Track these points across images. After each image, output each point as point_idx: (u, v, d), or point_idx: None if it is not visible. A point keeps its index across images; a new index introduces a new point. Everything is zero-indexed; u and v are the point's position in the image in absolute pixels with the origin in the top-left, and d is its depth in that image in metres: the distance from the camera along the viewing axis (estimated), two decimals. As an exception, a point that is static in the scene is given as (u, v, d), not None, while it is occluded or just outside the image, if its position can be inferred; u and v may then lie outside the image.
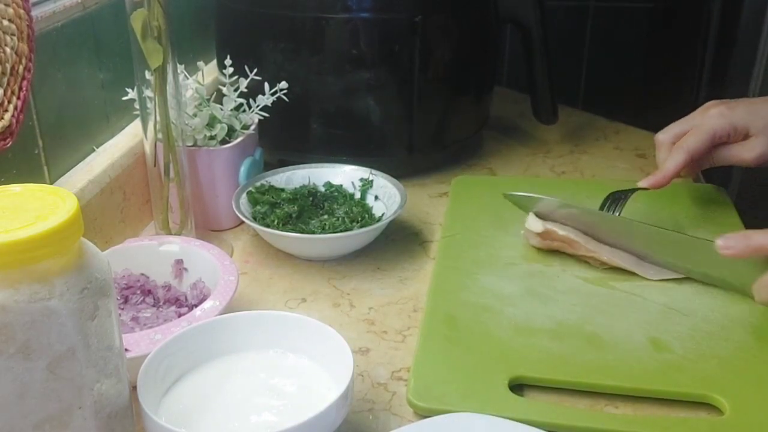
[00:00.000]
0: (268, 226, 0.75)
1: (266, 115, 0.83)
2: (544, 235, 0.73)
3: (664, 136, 0.76)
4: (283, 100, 0.82)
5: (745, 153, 0.73)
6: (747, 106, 0.74)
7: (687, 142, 0.73)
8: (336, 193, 0.82)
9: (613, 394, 0.57)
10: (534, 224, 0.74)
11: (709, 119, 0.73)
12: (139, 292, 0.68)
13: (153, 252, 0.69)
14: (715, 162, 0.75)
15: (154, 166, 0.74)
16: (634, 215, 0.79)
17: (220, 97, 0.83)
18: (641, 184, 0.74)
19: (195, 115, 0.79)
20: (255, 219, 0.76)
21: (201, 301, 0.64)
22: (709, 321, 0.64)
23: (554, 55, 0.98)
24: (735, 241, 0.63)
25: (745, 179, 1.18)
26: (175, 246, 0.69)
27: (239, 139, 0.81)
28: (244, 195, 0.79)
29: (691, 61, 1.37)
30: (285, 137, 0.91)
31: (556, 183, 0.92)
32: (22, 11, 0.57)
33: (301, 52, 0.86)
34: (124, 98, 0.78)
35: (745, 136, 0.73)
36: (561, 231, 0.72)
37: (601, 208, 0.74)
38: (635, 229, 0.70)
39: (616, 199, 0.74)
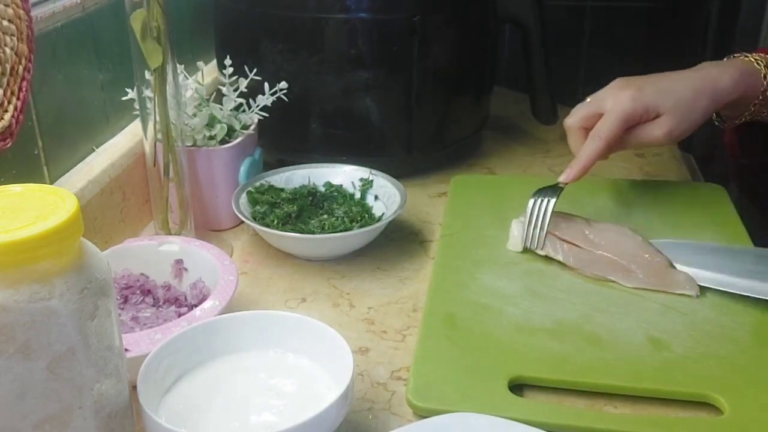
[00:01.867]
0: (267, 226, 0.75)
1: (266, 115, 0.83)
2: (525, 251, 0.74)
3: (572, 120, 0.76)
4: (283, 100, 0.82)
5: (655, 130, 0.73)
6: (655, 85, 0.74)
7: (601, 130, 0.73)
8: (336, 193, 0.82)
9: (613, 394, 0.57)
10: (514, 243, 0.74)
11: (621, 104, 0.73)
12: (138, 292, 0.68)
13: (153, 252, 0.69)
14: (626, 144, 0.75)
15: (154, 166, 0.74)
16: (635, 216, 0.79)
17: (219, 97, 0.83)
18: (561, 179, 0.75)
19: (195, 115, 0.79)
20: (255, 219, 0.76)
21: (201, 301, 0.64)
22: (709, 321, 0.64)
23: (553, 55, 0.98)
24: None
25: (746, 179, 1.18)
26: (174, 246, 0.69)
27: (239, 139, 0.81)
28: (244, 195, 0.79)
29: (690, 60, 1.37)
30: (285, 137, 0.91)
31: (553, 180, 0.92)
32: (21, 11, 0.57)
33: (300, 52, 0.86)
34: (124, 98, 0.78)
35: (656, 115, 0.73)
36: (540, 252, 0.72)
37: (532, 208, 0.74)
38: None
39: (543, 197, 0.74)
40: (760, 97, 0.75)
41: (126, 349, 0.54)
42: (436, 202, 0.89)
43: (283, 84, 0.82)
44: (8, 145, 0.56)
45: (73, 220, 0.39)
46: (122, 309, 0.66)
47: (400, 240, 0.81)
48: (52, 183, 0.69)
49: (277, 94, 0.82)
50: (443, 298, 0.68)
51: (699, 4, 1.35)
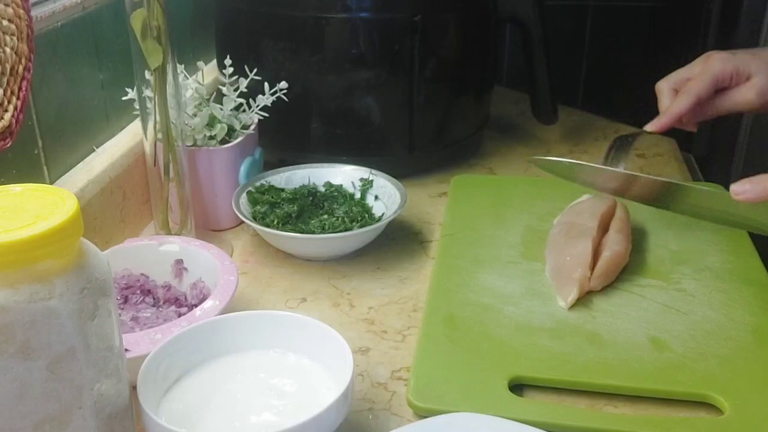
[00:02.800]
0: (267, 225, 0.75)
1: (266, 114, 0.83)
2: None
3: (665, 83, 0.77)
4: (283, 99, 0.82)
5: (746, 92, 0.73)
6: (749, 52, 0.74)
7: (691, 86, 0.73)
8: (336, 193, 0.82)
9: (613, 394, 0.57)
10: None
11: (710, 64, 0.73)
12: (139, 292, 0.68)
13: (153, 252, 0.69)
14: (719, 108, 0.75)
15: (154, 166, 0.74)
16: (638, 213, 0.79)
17: (220, 97, 0.83)
18: (648, 127, 0.75)
19: (195, 115, 0.79)
20: (255, 219, 0.76)
21: (201, 301, 0.64)
22: (709, 321, 0.64)
23: (554, 55, 0.98)
24: (750, 184, 0.64)
25: (745, 177, 1.18)
26: (175, 246, 0.69)
27: (239, 139, 0.81)
28: (244, 195, 0.79)
29: (691, 60, 1.37)
30: (285, 137, 0.91)
31: (556, 183, 0.92)
32: (21, 11, 0.57)
33: (301, 52, 0.86)
34: (124, 98, 0.78)
35: (747, 79, 0.73)
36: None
37: (607, 154, 0.75)
38: (654, 185, 0.72)
39: (621, 145, 0.75)
40: None
41: (126, 349, 0.54)
42: (437, 202, 0.89)
43: (284, 84, 0.82)
44: (8, 145, 0.56)
45: (73, 220, 0.39)
46: (122, 309, 0.66)
47: (400, 240, 0.81)
48: (52, 183, 0.69)
49: (278, 94, 0.82)
50: (443, 298, 0.68)
51: (700, 4, 1.35)
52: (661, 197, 0.73)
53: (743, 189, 0.64)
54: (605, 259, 0.68)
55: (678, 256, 0.74)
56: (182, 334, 0.56)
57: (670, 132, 1.07)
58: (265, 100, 0.82)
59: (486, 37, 0.95)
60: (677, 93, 0.75)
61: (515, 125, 1.10)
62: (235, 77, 0.81)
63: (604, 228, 0.73)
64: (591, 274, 0.67)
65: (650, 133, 0.75)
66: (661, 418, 0.55)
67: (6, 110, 0.56)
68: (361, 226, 0.75)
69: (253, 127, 0.83)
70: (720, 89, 0.74)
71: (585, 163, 0.75)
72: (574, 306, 0.66)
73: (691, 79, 0.74)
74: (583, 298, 0.67)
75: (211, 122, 0.80)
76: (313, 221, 0.78)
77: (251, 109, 0.83)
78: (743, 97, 0.73)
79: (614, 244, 0.69)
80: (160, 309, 0.67)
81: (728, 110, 0.75)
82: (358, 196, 0.83)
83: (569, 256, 0.69)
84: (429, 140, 0.93)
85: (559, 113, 1.02)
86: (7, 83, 0.56)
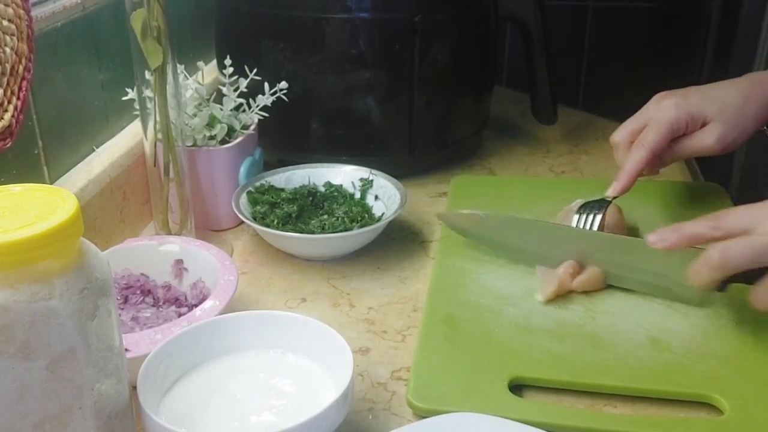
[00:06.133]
0: (267, 226, 0.75)
1: (266, 115, 0.83)
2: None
3: (619, 135, 0.74)
4: (283, 100, 0.82)
5: (705, 138, 0.71)
6: (699, 93, 0.72)
7: (646, 138, 0.71)
8: (336, 193, 0.82)
9: (613, 394, 0.57)
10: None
11: (664, 111, 0.71)
12: (139, 292, 0.68)
13: (153, 252, 0.69)
14: (676, 155, 0.73)
15: (154, 166, 0.74)
16: (635, 216, 0.79)
17: (220, 97, 0.83)
18: (609, 193, 0.72)
19: (195, 115, 0.79)
20: (255, 219, 0.76)
21: (201, 301, 0.64)
22: (709, 321, 0.64)
23: (554, 55, 0.98)
24: (667, 233, 0.61)
25: (745, 178, 1.18)
26: (175, 246, 0.69)
27: (239, 139, 0.81)
28: (244, 195, 0.79)
29: (691, 60, 1.37)
30: (285, 137, 0.91)
31: (556, 183, 0.92)
32: (21, 11, 0.57)
33: (301, 52, 0.86)
34: (124, 98, 0.78)
35: (703, 124, 0.71)
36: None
37: (579, 222, 0.71)
38: (572, 236, 0.69)
39: (590, 212, 0.71)
40: None
41: (126, 349, 0.54)
42: (437, 202, 0.89)
43: (284, 84, 0.82)
44: (8, 145, 0.56)
45: (73, 220, 0.39)
46: (122, 309, 0.66)
47: (400, 240, 0.81)
48: (52, 183, 0.69)
49: (277, 94, 0.82)
50: (443, 298, 0.68)
51: (700, 4, 1.35)
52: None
53: (661, 237, 0.61)
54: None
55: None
56: (182, 334, 0.56)
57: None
58: (265, 100, 0.82)
59: (486, 38, 0.95)
60: (632, 145, 0.73)
61: (515, 125, 1.10)
62: (235, 77, 0.81)
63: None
64: (578, 274, 0.67)
65: (614, 198, 0.72)
66: (661, 418, 0.55)
67: (6, 110, 0.56)
68: (361, 226, 0.75)
69: (253, 127, 0.83)
70: (676, 137, 0.72)
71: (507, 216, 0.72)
72: (574, 306, 0.66)
73: (645, 129, 0.72)
74: (583, 299, 0.67)
75: (211, 122, 0.80)
76: (313, 221, 0.78)
77: (251, 109, 0.83)
78: (702, 144, 0.71)
79: None
80: (160, 309, 0.67)
81: (688, 156, 0.74)
82: (358, 196, 0.83)
83: None
84: (429, 140, 0.93)
85: (559, 113, 1.02)
86: (7, 83, 0.56)
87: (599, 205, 0.71)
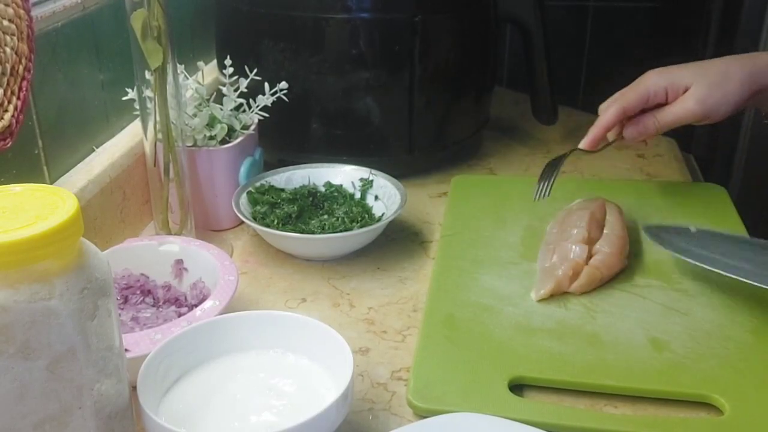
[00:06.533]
0: (268, 226, 0.75)
1: (266, 115, 0.83)
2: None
3: (607, 102, 0.76)
4: (283, 100, 0.82)
5: (685, 102, 0.71)
6: (684, 65, 0.73)
7: (617, 97, 0.74)
8: (336, 193, 0.82)
9: (613, 394, 0.57)
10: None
11: (644, 78, 0.73)
12: (139, 292, 0.68)
13: (153, 252, 0.69)
14: (660, 123, 0.73)
15: (154, 166, 0.74)
16: (635, 216, 0.79)
17: (220, 97, 0.83)
18: (580, 146, 0.75)
19: (195, 115, 0.79)
20: (255, 219, 0.76)
21: (201, 301, 0.64)
22: (709, 321, 0.64)
23: (554, 55, 0.98)
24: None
25: (746, 178, 1.18)
26: (175, 246, 0.69)
27: (239, 139, 0.81)
28: (244, 195, 0.79)
29: (692, 60, 1.37)
30: (285, 137, 0.91)
31: (556, 183, 0.92)
32: (22, 11, 0.57)
33: (301, 52, 0.86)
34: (124, 98, 0.78)
35: (685, 91, 0.72)
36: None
37: (540, 178, 0.74)
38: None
39: (552, 165, 0.74)
40: None
41: (126, 349, 0.54)
42: (437, 202, 0.89)
43: (284, 84, 0.82)
44: (8, 145, 0.56)
45: (73, 220, 0.39)
46: (122, 309, 0.66)
47: (400, 240, 0.81)
48: (52, 183, 0.69)
49: (278, 94, 0.82)
50: (443, 298, 0.68)
51: (701, 4, 1.35)
52: None
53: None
54: (589, 269, 0.68)
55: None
56: (182, 334, 0.56)
57: (671, 132, 1.07)
58: (265, 100, 0.82)
59: (486, 38, 0.95)
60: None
61: (515, 125, 1.10)
62: (235, 77, 0.81)
63: (599, 229, 0.73)
64: (577, 277, 0.67)
65: (584, 151, 0.75)
66: (661, 418, 0.55)
67: (6, 110, 0.56)
68: (361, 226, 0.75)
69: (253, 127, 0.83)
70: (659, 104, 0.73)
71: None
72: (573, 306, 0.66)
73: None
74: (583, 299, 0.67)
75: (211, 122, 0.80)
76: (313, 221, 0.78)
77: (251, 110, 0.83)
78: (683, 107, 0.72)
79: (604, 248, 0.70)
80: (160, 309, 0.67)
81: (672, 123, 0.73)
82: (358, 196, 0.83)
83: (556, 256, 0.69)
84: (429, 141, 0.93)
85: (559, 113, 1.02)
86: (7, 83, 0.56)
87: (564, 156, 0.75)
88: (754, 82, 0.71)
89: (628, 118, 0.75)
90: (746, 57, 0.73)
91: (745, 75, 0.71)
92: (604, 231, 0.72)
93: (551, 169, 0.73)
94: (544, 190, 0.72)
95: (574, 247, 0.69)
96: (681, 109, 0.72)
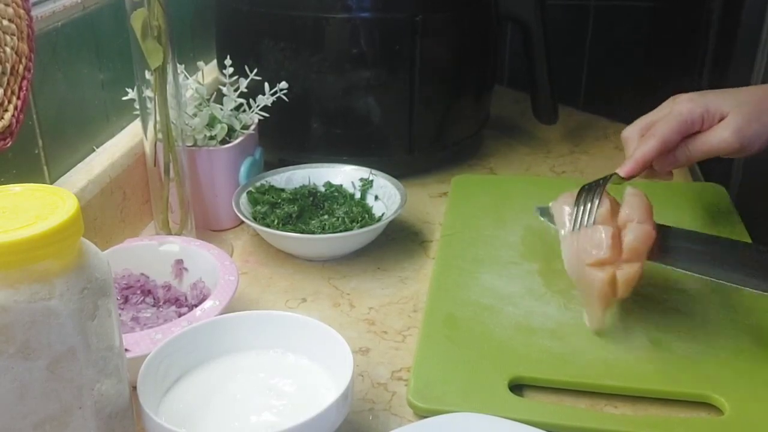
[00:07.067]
0: (268, 226, 0.75)
1: (266, 115, 0.83)
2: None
3: (631, 130, 0.70)
4: (283, 99, 0.82)
5: (722, 132, 0.65)
6: (717, 92, 0.68)
7: (656, 128, 0.67)
8: (336, 193, 0.82)
9: (613, 394, 0.57)
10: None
11: (678, 105, 0.67)
12: (139, 292, 0.68)
13: (153, 252, 0.69)
14: (692, 153, 0.67)
15: (154, 166, 0.74)
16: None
17: (220, 97, 0.83)
18: (619, 171, 0.67)
19: (195, 115, 0.79)
20: (255, 219, 0.76)
21: (201, 301, 0.64)
22: (709, 321, 0.64)
23: (555, 55, 0.98)
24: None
25: (746, 178, 1.18)
26: (175, 246, 0.69)
27: (239, 139, 0.81)
28: (244, 195, 0.79)
29: (692, 60, 1.37)
30: (285, 137, 0.91)
31: (557, 183, 0.92)
32: (22, 11, 0.57)
33: (301, 52, 0.86)
34: (124, 98, 0.78)
35: (720, 118, 0.66)
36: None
37: (577, 201, 0.64)
38: None
39: (591, 189, 0.64)
40: None
41: (126, 349, 0.54)
42: (437, 202, 0.89)
43: (284, 84, 0.82)
44: (8, 145, 0.56)
45: (73, 220, 0.39)
46: (122, 309, 0.66)
47: (400, 240, 0.81)
48: (52, 183, 0.69)
49: (278, 94, 0.82)
50: (444, 298, 0.68)
51: (701, 4, 1.35)
52: None
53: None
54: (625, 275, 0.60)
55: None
56: (182, 334, 0.56)
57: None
58: (265, 100, 0.82)
59: (487, 37, 0.95)
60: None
61: (516, 125, 1.10)
62: (235, 77, 0.81)
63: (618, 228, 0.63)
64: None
65: (622, 178, 0.66)
66: (661, 418, 0.55)
67: (6, 110, 0.56)
68: (361, 226, 0.75)
69: (253, 127, 0.83)
70: (692, 133, 0.67)
71: None
72: (574, 306, 0.66)
73: (656, 123, 0.68)
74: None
75: (211, 122, 0.80)
76: (313, 221, 0.78)
77: (251, 109, 0.83)
78: (719, 137, 0.66)
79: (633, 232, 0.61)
80: (160, 309, 0.67)
81: (704, 154, 0.67)
82: (358, 196, 0.83)
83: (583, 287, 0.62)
84: (429, 140, 0.93)
85: (559, 113, 1.02)
86: (8, 83, 0.56)
87: (604, 180, 0.65)
88: None
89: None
90: None
91: None
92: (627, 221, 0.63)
93: (589, 194, 0.64)
94: (583, 219, 0.62)
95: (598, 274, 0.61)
96: (717, 140, 0.66)
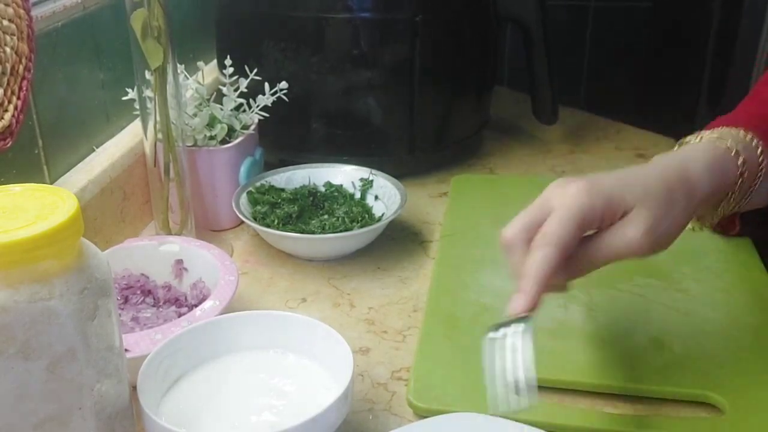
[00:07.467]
0: (268, 226, 0.75)
1: (266, 115, 0.83)
2: None
3: (511, 234, 0.54)
4: (284, 99, 0.82)
5: (629, 230, 0.51)
6: (612, 176, 0.53)
7: (548, 233, 0.51)
8: (336, 193, 0.82)
9: (613, 394, 0.57)
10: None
11: (570, 197, 0.51)
12: (139, 292, 0.68)
13: (153, 252, 0.69)
14: (594, 259, 0.52)
15: (154, 166, 0.74)
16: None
17: (220, 97, 0.83)
18: (513, 309, 0.50)
19: (195, 115, 0.79)
20: (255, 219, 0.76)
21: (201, 301, 0.64)
22: (709, 321, 0.64)
23: (555, 55, 0.98)
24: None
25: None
26: (175, 246, 0.69)
27: (239, 139, 0.81)
28: (244, 195, 0.79)
29: (692, 60, 1.37)
30: (285, 137, 0.91)
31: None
32: (22, 11, 0.57)
33: (301, 52, 0.86)
34: (124, 98, 0.78)
35: (623, 213, 0.51)
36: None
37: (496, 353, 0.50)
38: None
39: (500, 336, 0.50)
40: (739, 183, 0.57)
41: (126, 350, 0.54)
42: (437, 202, 0.89)
43: (284, 84, 0.82)
44: (8, 145, 0.56)
45: (73, 220, 0.39)
46: (122, 309, 0.66)
47: (400, 240, 0.81)
48: (52, 183, 0.69)
49: (278, 94, 0.82)
50: (444, 298, 0.68)
51: (701, 4, 1.35)
52: None
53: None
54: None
55: (678, 256, 0.73)
56: (182, 334, 0.56)
57: (670, 131, 1.07)
58: (265, 100, 0.82)
59: (487, 38, 0.95)
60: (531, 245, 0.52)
61: (516, 125, 1.10)
62: (236, 77, 0.81)
63: None
64: None
65: (521, 317, 0.50)
66: (661, 418, 0.55)
67: (6, 110, 0.56)
68: (362, 226, 0.75)
69: (253, 127, 0.83)
70: (588, 233, 0.52)
71: None
72: (574, 306, 0.66)
73: (546, 222, 0.51)
74: (583, 299, 0.67)
75: (212, 122, 0.80)
76: (313, 221, 0.78)
77: (251, 109, 0.83)
78: (627, 239, 0.51)
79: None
80: (160, 309, 0.67)
81: (607, 260, 0.52)
82: (358, 196, 0.83)
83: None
84: (429, 140, 0.93)
85: (559, 113, 1.02)
86: (8, 83, 0.56)
87: (514, 324, 0.50)
88: (692, 201, 0.54)
89: None
90: (675, 167, 0.55)
91: (685, 197, 0.53)
92: None
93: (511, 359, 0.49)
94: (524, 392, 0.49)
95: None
96: (624, 242, 0.51)
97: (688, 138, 0.59)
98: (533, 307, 0.50)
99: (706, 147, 0.57)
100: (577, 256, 0.52)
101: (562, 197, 0.52)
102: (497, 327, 0.50)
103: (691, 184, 0.54)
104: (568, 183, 0.53)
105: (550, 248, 0.50)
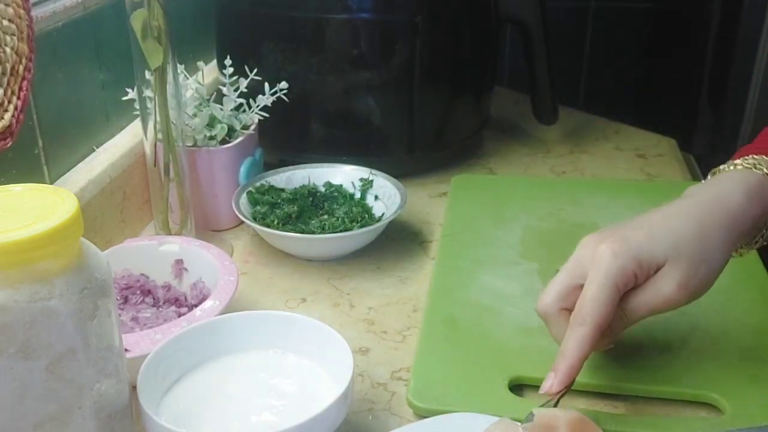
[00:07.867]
0: (268, 226, 0.75)
1: (266, 115, 0.83)
2: None
3: (547, 302, 0.54)
4: (283, 100, 0.82)
5: (663, 288, 0.51)
6: (640, 230, 0.53)
7: (585, 310, 0.51)
8: (336, 193, 0.82)
9: (613, 394, 0.57)
10: None
11: (601, 264, 0.51)
12: (139, 292, 0.68)
13: (153, 252, 0.69)
14: (632, 316, 0.53)
15: (154, 166, 0.74)
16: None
17: (220, 97, 0.83)
18: (546, 389, 0.52)
19: (195, 115, 0.79)
20: (255, 219, 0.76)
21: (201, 301, 0.64)
22: (709, 321, 0.64)
23: (554, 55, 0.98)
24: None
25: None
26: (175, 246, 0.69)
27: (239, 139, 0.81)
28: (244, 195, 0.79)
29: (692, 60, 1.38)
30: (285, 137, 0.91)
31: (557, 183, 0.92)
32: (22, 11, 0.57)
33: (301, 52, 0.86)
34: (124, 98, 0.78)
35: (656, 269, 0.52)
36: None
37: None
38: None
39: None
40: None
41: (126, 350, 0.54)
42: (437, 202, 0.89)
43: (284, 84, 0.82)
44: (8, 145, 0.56)
45: (73, 220, 0.39)
46: (122, 309, 0.66)
47: (400, 240, 0.81)
48: (52, 183, 0.69)
49: (278, 94, 0.82)
50: (443, 298, 0.68)
51: (700, 4, 1.35)
52: None
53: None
54: None
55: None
56: (182, 334, 0.56)
57: (670, 131, 1.07)
58: (265, 100, 0.82)
59: (487, 38, 0.95)
60: (568, 313, 0.53)
61: (516, 126, 1.10)
62: (235, 77, 0.81)
63: None
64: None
65: (555, 395, 0.51)
66: (661, 418, 0.55)
67: (6, 110, 0.56)
68: (361, 227, 0.75)
69: (253, 127, 0.83)
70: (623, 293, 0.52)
71: None
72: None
73: (581, 294, 0.52)
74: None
75: (211, 122, 0.80)
76: (313, 221, 0.78)
77: (251, 110, 0.83)
78: (660, 296, 0.51)
79: None
80: (160, 309, 0.67)
81: (644, 317, 0.53)
82: (358, 196, 0.83)
83: None
84: (429, 140, 0.93)
85: (559, 113, 1.02)
86: (8, 83, 0.56)
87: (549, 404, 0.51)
88: (734, 235, 0.53)
89: None
90: (711, 203, 0.54)
91: (725, 233, 0.53)
92: None
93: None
94: None
95: None
96: (658, 299, 0.51)
97: (721, 167, 0.58)
98: (566, 386, 0.51)
99: (743, 175, 0.55)
100: (615, 317, 0.52)
101: (592, 263, 0.52)
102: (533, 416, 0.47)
103: (731, 216, 0.53)
104: (598, 243, 0.52)
105: (587, 328, 0.51)
